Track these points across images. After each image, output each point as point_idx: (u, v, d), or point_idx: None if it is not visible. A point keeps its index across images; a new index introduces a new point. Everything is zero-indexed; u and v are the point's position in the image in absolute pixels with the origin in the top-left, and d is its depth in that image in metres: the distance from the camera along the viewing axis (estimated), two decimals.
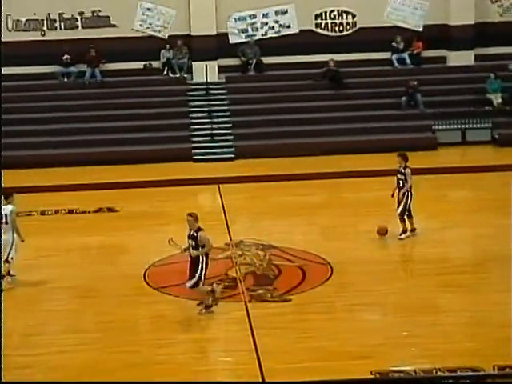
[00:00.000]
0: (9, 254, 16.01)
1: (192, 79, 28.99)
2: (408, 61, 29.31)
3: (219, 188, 22.94)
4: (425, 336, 13.18)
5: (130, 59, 28.41)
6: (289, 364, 12.40)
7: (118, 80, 28.41)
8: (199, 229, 14.33)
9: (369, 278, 15.94)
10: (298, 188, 22.66)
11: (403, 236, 18.09)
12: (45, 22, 28.68)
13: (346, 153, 25.46)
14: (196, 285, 14.29)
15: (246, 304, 14.77)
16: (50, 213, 20.92)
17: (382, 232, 18.02)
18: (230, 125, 27.31)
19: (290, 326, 13.83)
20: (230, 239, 18.47)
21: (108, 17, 28.73)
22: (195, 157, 26.02)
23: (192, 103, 28.11)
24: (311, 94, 28.31)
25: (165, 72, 28.84)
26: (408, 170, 18.04)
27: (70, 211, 21.06)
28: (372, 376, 11.88)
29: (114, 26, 28.70)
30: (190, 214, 14.43)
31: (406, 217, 18.14)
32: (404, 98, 27.77)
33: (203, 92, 28.46)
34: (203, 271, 14.28)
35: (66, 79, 28.61)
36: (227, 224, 19.61)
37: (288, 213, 20.62)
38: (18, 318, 14.69)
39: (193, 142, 26.69)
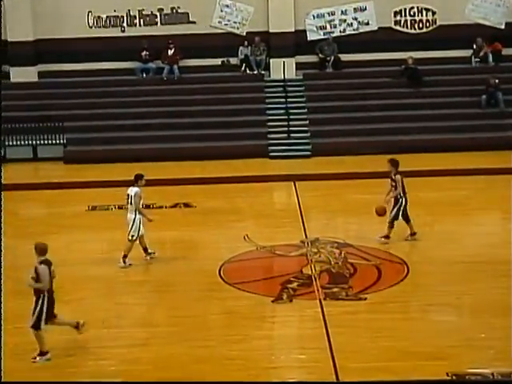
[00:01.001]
0: (129, 232, 16.84)
1: (269, 76, 28.97)
2: (490, 59, 28.77)
3: (295, 185, 22.85)
4: (501, 338, 12.86)
5: (207, 56, 28.55)
6: (363, 363, 12.24)
7: (196, 76, 28.55)
8: (41, 261, 13.29)
9: (445, 278, 15.65)
10: (375, 186, 22.37)
11: (383, 240, 17.75)
12: (125, 18, 28.97)
13: (424, 151, 25.12)
14: (35, 326, 13.11)
15: (320, 302, 14.64)
16: (126, 207, 21.07)
17: (381, 212, 17.69)
18: (306, 122, 27.20)
19: (364, 325, 13.67)
20: (306, 236, 18.36)
21: (187, 13, 28.90)
22: (271, 153, 25.98)
23: (269, 100, 28.08)
24: (389, 91, 28.03)
25: (242, 69, 28.88)
26: (398, 177, 17.77)
27: (147, 206, 21.11)
28: (448, 378, 11.65)
29: (192, 22, 28.86)
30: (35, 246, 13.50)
31: (401, 222, 17.83)
32: (484, 97, 27.27)
33: (280, 89, 28.40)
34: (43, 309, 13.14)
35: (144, 75, 28.87)
36: (302, 221, 19.50)
37: (364, 211, 20.37)
38: (96, 310, 14.88)
39: (269, 138, 26.66)
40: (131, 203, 16.97)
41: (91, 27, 28.92)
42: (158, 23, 29.01)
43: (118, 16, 28.98)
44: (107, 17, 28.97)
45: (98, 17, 28.96)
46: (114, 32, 28.89)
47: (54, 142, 26.25)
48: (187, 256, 17.76)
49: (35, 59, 28.53)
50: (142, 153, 25.47)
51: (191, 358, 12.71)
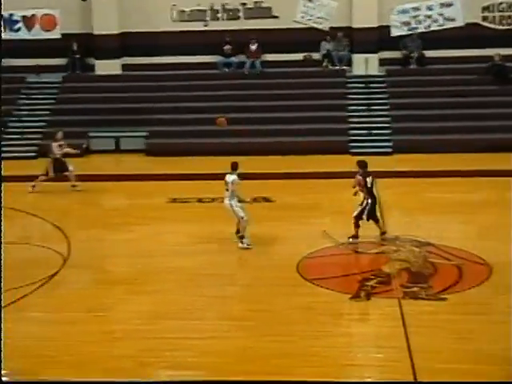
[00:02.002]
0: (237, 215, 17.48)
1: (351, 72, 28.76)
2: None
3: (376, 182, 22.57)
4: None
5: (289, 51, 28.49)
6: (441, 364, 12.06)
7: (278, 71, 28.52)
8: None
9: None
10: (457, 185, 22.08)
11: (351, 240, 17.68)
12: (208, 12, 29.09)
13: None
14: None
15: (399, 301, 14.48)
16: (206, 200, 21.20)
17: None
18: (388, 118, 26.93)
19: (443, 326, 13.46)
20: (385, 234, 18.16)
21: (270, 8, 28.89)
22: (352, 150, 25.80)
23: (351, 96, 27.90)
24: (475, 89, 27.56)
25: (324, 64, 28.74)
26: (359, 177, 17.80)
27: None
28: None
29: (275, 17, 28.83)
30: None
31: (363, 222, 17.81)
32: None
33: (362, 85, 28.19)
34: None
35: (226, 69, 28.96)
36: (383, 219, 19.30)
37: (445, 210, 20.13)
38: (177, 302, 15.01)
39: (350, 135, 26.50)
40: (228, 190, 17.51)
41: (175, 21, 29.13)
42: (241, 17, 29.07)
43: (201, 10, 29.12)
44: (191, 11, 29.14)
45: (182, 11, 29.16)
46: (197, 26, 29.04)
47: (136, 134, 26.53)
48: (266, 251, 17.75)
49: (120, 52, 28.88)
50: (222, 147, 25.55)
51: (271, 352, 12.71)
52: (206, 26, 29.05)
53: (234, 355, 12.72)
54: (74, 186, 22.05)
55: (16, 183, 22.07)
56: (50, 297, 15.59)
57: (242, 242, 17.61)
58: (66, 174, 22.16)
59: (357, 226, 17.78)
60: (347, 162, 24.69)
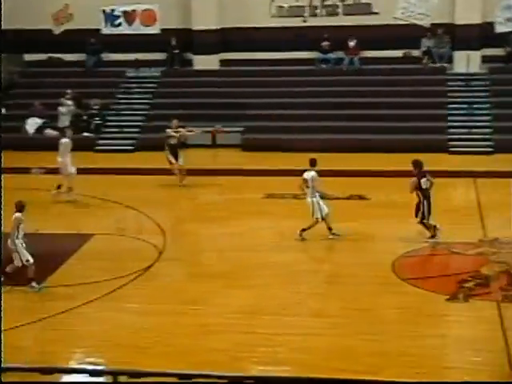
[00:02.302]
0: (313, 214, 17.56)
1: (452, 69, 28.20)
2: None
3: (475, 182, 22.14)
4: None
5: (388, 47, 28.10)
6: None
7: (376, 68, 28.20)
8: None
9: None
10: None
11: (431, 240, 17.29)
12: (307, 8, 28.96)
13: None
14: None
15: (497, 304, 14.09)
16: (302, 197, 21.06)
17: None
18: (489, 117, 26.31)
19: None
20: (484, 236, 17.73)
21: (369, 4, 28.58)
22: (451, 149, 25.30)
23: (451, 94, 27.36)
24: None
25: (424, 61, 28.26)
26: (414, 180, 17.31)
27: (321, 197, 21.11)
28: None
29: (375, 13, 28.48)
30: None
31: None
32: None
33: (463, 83, 27.61)
34: None
35: (324, 66, 28.78)
36: (481, 219, 18.86)
37: None
38: (272, 297, 14.98)
39: (449, 133, 25.99)
40: (308, 187, 17.59)
41: (273, 17, 29.09)
42: (340, 14, 28.82)
43: (300, 6, 29.00)
44: (289, 7, 29.05)
45: (281, 6, 29.10)
46: (296, 22, 28.93)
47: (232, 129, 26.59)
48: (360, 249, 17.55)
49: (218, 48, 29.00)
50: (318, 143, 25.36)
51: (364, 350, 12.55)
52: (304, 21, 28.93)
53: (326, 352, 12.62)
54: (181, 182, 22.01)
55: (114, 176, 22.42)
56: (145, 288, 15.75)
57: (332, 234, 17.67)
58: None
59: (428, 227, 17.40)
60: (446, 161, 24.31)
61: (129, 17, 29.66)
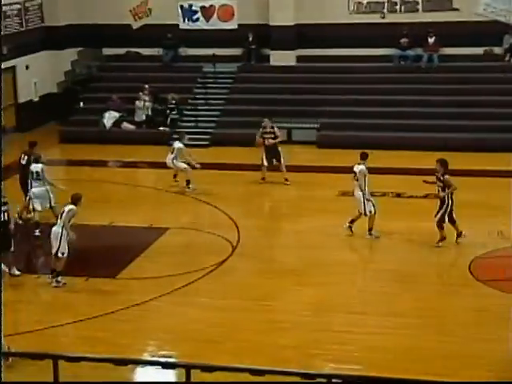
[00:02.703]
0: (364, 210, 17.64)
1: None
2: None
3: None
4: None
5: (469, 44, 27.56)
6: None
7: (456, 65, 27.69)
8: None
9: None
10: None
11: (440, 244, 16.92)
12: (385, 4, 28.63)
13: None
14: None
15: None
16: (377, 194, 20.83)
17: None
18: None
19: None
20: None
21: (450, 0, 28.06)
22: None
23: None
24: None
25: (507, 58, 27.65)
26: (447, 177, 16.93)
27: (398, 195, 20.89)
28: None
29: (455, 9, 27.98)
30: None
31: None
32: None
33: None
34: None
35: (402, 62, 28.41)
36: None
37: None
38: (343, 295, 14.87)
39: None
40: (357, 179, 17.74)
41: (351, 13, 28.84)
42: (420, 10, 28.39)
43: (378, 2, 28.68)
44: (368, 3, 28.76)
45: (359, 2, 28.83)
46: (374, 18, 28.62)
47: (308, 125, 26.45)
48: (435, 248, 17.24)
49: (295, 43, 28.87)
50: (391, 141, 25.02)
51: (435, 352, 12.35)
52: (382, 18, 28.60)
53: (396, 352, 12.48)
54: (286, 179, 21.85)
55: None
56: (217, 283, 15.78)
57: (370, 234, 17.61)
58: (278, 163, 21.97)
59: (441, 227, 17.10)
60: None
61: (206, 12, 29.74)
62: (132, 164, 24.49)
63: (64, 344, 13.24)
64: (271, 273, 16.25)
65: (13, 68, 27.95)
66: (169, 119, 27.09)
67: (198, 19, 29.76)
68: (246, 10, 29.21)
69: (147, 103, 27.20)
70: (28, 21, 28.75)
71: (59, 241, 15.49)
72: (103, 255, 17.40)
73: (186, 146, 21.62)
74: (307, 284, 15.59)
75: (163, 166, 23.23)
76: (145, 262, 16.74)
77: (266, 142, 22.00)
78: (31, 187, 18.37)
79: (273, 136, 21.98)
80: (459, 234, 17.22)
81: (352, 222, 17.84)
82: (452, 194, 17.11)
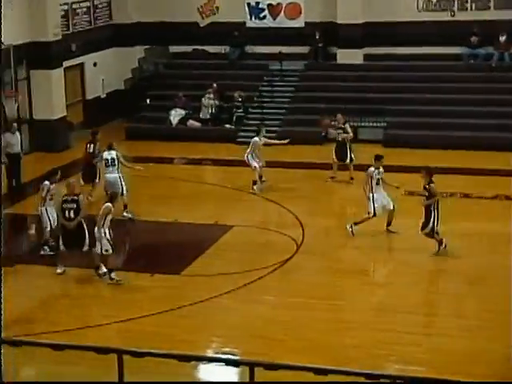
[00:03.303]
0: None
1: None
2: None
3: None
4: None
5: None
6: None
7: None
8: None
9: None
10: None
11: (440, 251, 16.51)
12: (455, 2, 28.21)
13: None
14: None
15: None
16: (444, 195, 20.55)
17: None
18: None
19: None
20: None
21: None
22: None
23: None
24: None
25: None
26: (432, 185, 16.45)
27: (466, 195, 20.57)
28: None
29: None
30: None
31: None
32: None
33: None
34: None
35: (472, 61, 27.97)
36: None
37: None
38: (409, 296, 14.71)
39: None
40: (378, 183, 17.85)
41: (420, 11, 28.49)
42: (491, 7, 27.88)
43: (448, 0, 28.29)
44: (437, 0, 28.38)
45: (428, 0, 28.47)
46: (443, 16, 28.22)
47: (374, 124, 26.23)
48: (506, 250, 16.88)
49: (362, 42, 28.65)
50: (460, 140, 24.64)
51: (501, 356, 12.09)
52: (452, 15, 28.19)
53: (462, 354, 12.30)
54: (351, 178, 21.70)
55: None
56: (282, 281, 15.74)
57: (351, 227, 17.67)
58: (346, 162, 21.85)
59: (436, 238, 16.62)
60: None
61: (274, 10, 29.69)
62: (197, 161, 24.58)
63: (128, 339, 13.32)
64: (336, 272, 16.15)
65: (81, 65, 28.32)
66: (234, 117, 27.12)
67: (264, 17, 29.74)
68: (313, 7, 29.09)
69: (213, 101, 27.27)
70: (96, 18, 29.08)
71: (99, 240, 15.63)
72: (168, 252, 17.49)
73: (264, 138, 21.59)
74: (373, 284, 15.48)
75: (228, 163, 23.31)
76: (209, 259, 16.77)
77: (337, 137, 21.94)
78: (104, 174, 19.19)
79: (342, 132, 21.86)
80: (440, 242, 16.73)
81: (356, 224, 17.80)
82: (437, 203, 16.66)
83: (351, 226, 17.70)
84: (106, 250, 15.69)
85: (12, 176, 21.51)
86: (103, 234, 15.59)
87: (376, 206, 17.72)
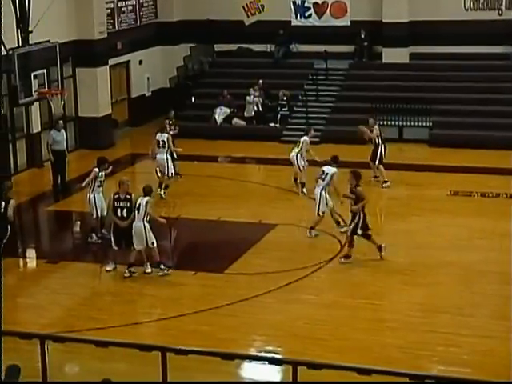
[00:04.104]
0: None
1: None
2: None
3: None
4: None
5: None
6: None
7: None
8: None
9: None
10: None
11: (343, 260, 16.26)
12: (503, 1, 27.86)
13: None
14: None
15: None
16: (490, 195, 20.35)
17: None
18: None
19: None
20: None
21: None
22: None
23: None
24: None
25: None
26: (360, 189, 16.29)
27: (497, 195, 20.35)
28: None
29: None
30: None
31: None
32: None
33: None
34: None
35: None
36: None
37: None
38: (450, 296, 14.54)
39: None
40: (323, 179, 17.76)
41: (467, 9, 28.20)
42: None
43: None
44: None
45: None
46: (491, 15, 27.89)
47: (420, 124, 26.01)
48: None
49: (408, 41, 28.43)
50: (506, 140, 24.32)
51: None
52: (500, 14, 27.85)
53: (504, 357, 12.06)
54: (375, 176, 21.52)
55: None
56: (324, 281, 15.71)
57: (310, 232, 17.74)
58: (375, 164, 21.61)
59: (351, 245, 16.34)
60: None
61: (319, 8, 29.58)
62: (241, 159, 24.59)
63: (170, 337, 13.35)
64: (378, 271, 16.05)
65: (127, 63, 28.48)
66: (279, 115, 27.07)
67: (310, 16, 29.66)
68: (358, 6, 28.95)
69: (257, 99, 27.25)
70: (142, 16, 29.22)
71: (145, 233, 15.66)
72: (211, 250, 17.51)
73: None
74: (415, 284, 15.35)
75: (272, 162, 23.27)
76: (252, 258, 16.75)
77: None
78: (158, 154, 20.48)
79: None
80: (379, 248, 16.42)
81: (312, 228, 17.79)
82: (364, 207, 16.37)
83: (310, 232, 17.77)
84: (153, 243, 15.79)
85: (57, 173, 21.70)
86: (148, 228, 15.68)
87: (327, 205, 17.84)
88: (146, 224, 15.69)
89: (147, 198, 15.80)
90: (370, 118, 22.25)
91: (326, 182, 17.76)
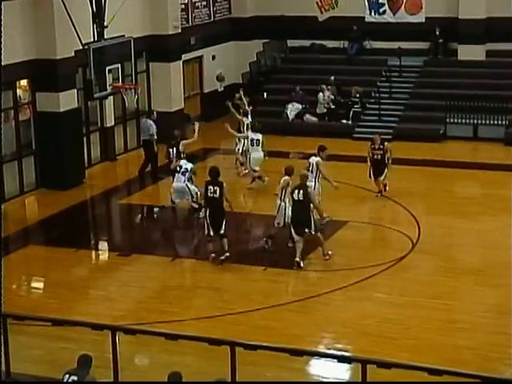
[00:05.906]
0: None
1: None
2: None
3: None
4: None
5: None
6: None
7: None
8: None
9: None
10: None
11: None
12: None
13: None
14: None
15: None
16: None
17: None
18: None
19: None
20: None
21: None
22: None
23: None
24: None
25: None
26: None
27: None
28: None
29: None
30: None
31: None
32: None
33: None
34: None
35: None
36: None
37: None
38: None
39: None
40: (312, 171, 17.83)
41: None
42: None
43: None
44: None
45: None
46: None
47: (495, 122, 25.56)
48: None
49: (485, 38, 27.95)
50: None
51: None
52: None
53: None
54: (380, 191, 20.93)
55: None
56: (395, 279, 15.52)
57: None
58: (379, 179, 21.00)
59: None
60: None
61: (393, 5, 29.26)
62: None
63: (238, 332, 13.34)
64: (451, 271, 15.82)
65: (200, 58, 28.62)
66: (351, 112, 26.88)
67: (384, 12, 29.36)
68: (434, 2, 28.56)
69: (329, 95, 27.10)
70: (216, 12, 29.32)
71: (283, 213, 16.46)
72: (281, 246, 17.45)
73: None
74: (488, 285, 15.08)
75: (344, 159, 23.08)
76: (322, 255, 16.64)
77: (375, 156, 20.48)
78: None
79: (381, 153, 20.15)
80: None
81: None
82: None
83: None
84: (278, 223, 16.49)
85: (146, 162, 22.07)
86: (283, 208, 16.37)
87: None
88: (282, 203, 16.53)
89: (285, 177, 16.54)
90: (376, 134, 21.25)
91: (314, 173, 17.97)
